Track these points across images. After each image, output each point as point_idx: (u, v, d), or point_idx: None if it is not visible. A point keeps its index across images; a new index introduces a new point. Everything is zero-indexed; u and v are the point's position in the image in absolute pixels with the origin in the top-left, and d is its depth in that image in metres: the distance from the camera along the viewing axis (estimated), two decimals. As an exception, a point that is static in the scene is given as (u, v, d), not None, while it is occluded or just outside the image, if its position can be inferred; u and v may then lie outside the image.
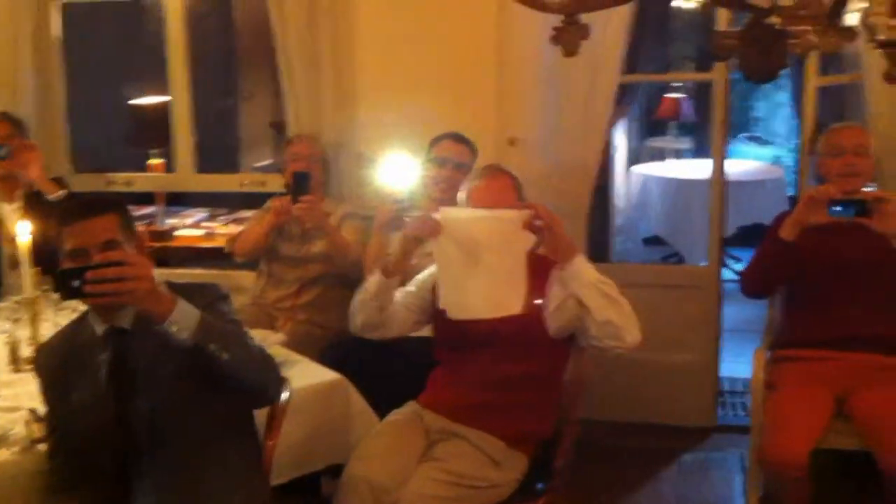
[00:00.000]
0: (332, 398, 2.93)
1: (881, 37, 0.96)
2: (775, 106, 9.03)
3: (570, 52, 1.24)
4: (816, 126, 3.75)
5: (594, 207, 4.10)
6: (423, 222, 2.71)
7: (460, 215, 2.70)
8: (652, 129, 8.26)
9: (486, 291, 2.66)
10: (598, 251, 5.12)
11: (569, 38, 1.20)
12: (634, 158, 7.60)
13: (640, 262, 6.66)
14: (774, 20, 1.27)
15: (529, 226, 2.56)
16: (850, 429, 3.11)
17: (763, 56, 1.31)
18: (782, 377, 3.27)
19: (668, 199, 6.40)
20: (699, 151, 7.73)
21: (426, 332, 2.98)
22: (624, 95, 4.41)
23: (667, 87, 7.83)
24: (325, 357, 3.27)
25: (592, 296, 2.55)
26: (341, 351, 3.42)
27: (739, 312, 4.75)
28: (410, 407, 2.90)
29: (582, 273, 2.57)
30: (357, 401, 2.97)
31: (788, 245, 3.20)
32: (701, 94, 7.39)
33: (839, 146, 3.35)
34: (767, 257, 3.33)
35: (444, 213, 2.69)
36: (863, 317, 3.23)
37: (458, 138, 3.59)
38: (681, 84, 7.97)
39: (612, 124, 5.83)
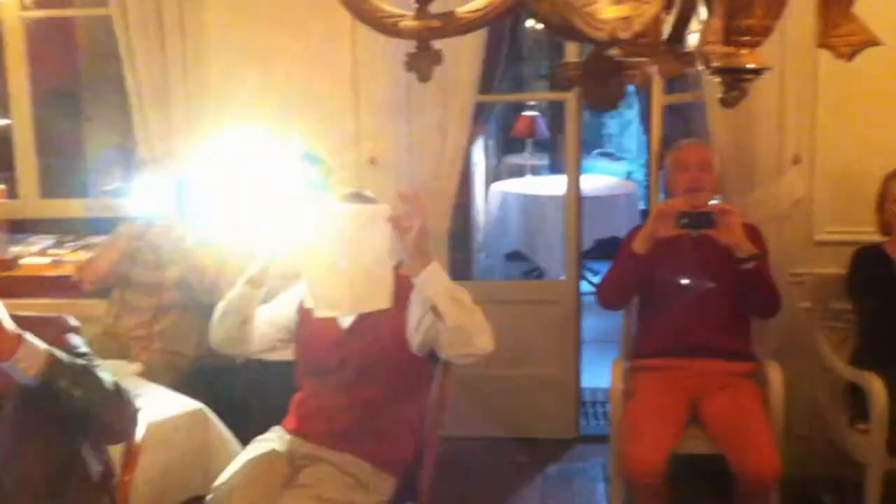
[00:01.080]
0: (191, 428, 2.84)
1: (715, 64, 1.00)
2: (626, 123, 9.36)
3: (424, 78, 1.24)
4: (663, 142, 3.90)
5: (456, 225, 4.13)
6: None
7: (321, 211, 2.67)
8: (510, 147, 8.41)
9: (349, 287, 2.63)
10: (461, 268, 5.16)
11: (422, 64, 1.20)
12: (494, 175, 7.72)
13: (503, 277, 6.76)
14: (614, 52, 1.32)
15: (394, 222, 2.52)
16: (703, 434, 3.24)
17: (603, 87, 1.36)
18: (639, 386, 3.37)
19: (527, 215, 6.52)
20: (555, 168, 7.92)
21: (288, 355, 2.93)
22: (481, 114, 4.48)
23: (522, 106, 7.99)
24: (184, 386, 3.17)
25: (445, 302, 2.52)
26: (200, 378, 3.32)
27: (599, 324, 4.87)
28: (274, 433, 2.84)
29: (435, 280, 2.55)
30: (217, 430, 2.88)
31: (640, 258, 3.31)
32: (555, 112, 7.57)
33: (685, 162, 3.49)
34: (621, 270, 3.44)
35: (307, 210, 2.65)
36: (708, 325, 3.36)
37: (312, 158, 3.55)
38: (535, 103, 8.15)
39: (470, 142, 5.92)
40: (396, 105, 3.90)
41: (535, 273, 6.78)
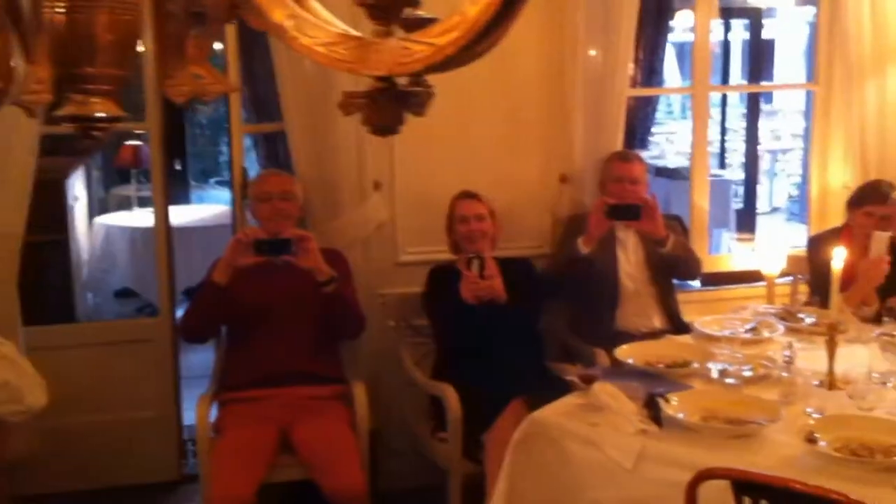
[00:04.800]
0: None
1: (64, 112, 0.99)
2: (245, 150, 9.29)
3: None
4: (243, 171, 3.91)
5: (52, 264, 3.82)
6: None
7: None
8: (120, 178, 8.02)
9: None
10: (63, 311, 4.83)
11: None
12: (101, 208, 7.31)
13: (114, 317, 6.41)
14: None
15: None
16: (295, 461, 3.25)
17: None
18: (228, 421, 3.32)
19: (135, 250, 6.23)
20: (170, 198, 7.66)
21: None
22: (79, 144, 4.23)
23: (127, 135, 7.66)
24: None
25: None
26: None
27: (204, 359, 4.74)
28: None
29: None
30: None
31: (220, 288, 3.27)
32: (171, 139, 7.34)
33: (266, 192, 3.52)
34: (201, 302, 3.37)
35: None
36: (295, 352, 3.40)
37: None
38: (143, 132, 7.83)
39: (66, 175, 5.55)
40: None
41: (147, 310, 6.50)
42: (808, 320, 3.46)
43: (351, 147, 3.82)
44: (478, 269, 3.52)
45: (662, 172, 7.56)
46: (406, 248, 4.01)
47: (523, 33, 4.04)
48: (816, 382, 2.85)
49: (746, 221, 7.59)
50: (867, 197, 3.85)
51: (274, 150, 3.73)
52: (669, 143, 10.08)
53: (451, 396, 3.36)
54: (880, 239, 3.51)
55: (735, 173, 8.73)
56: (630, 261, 3.97)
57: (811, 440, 2.43)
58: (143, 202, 7.37)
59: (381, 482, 3.56)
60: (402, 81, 1.53)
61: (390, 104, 1.06)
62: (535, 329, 3.74)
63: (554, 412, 2.77)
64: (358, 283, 3.67)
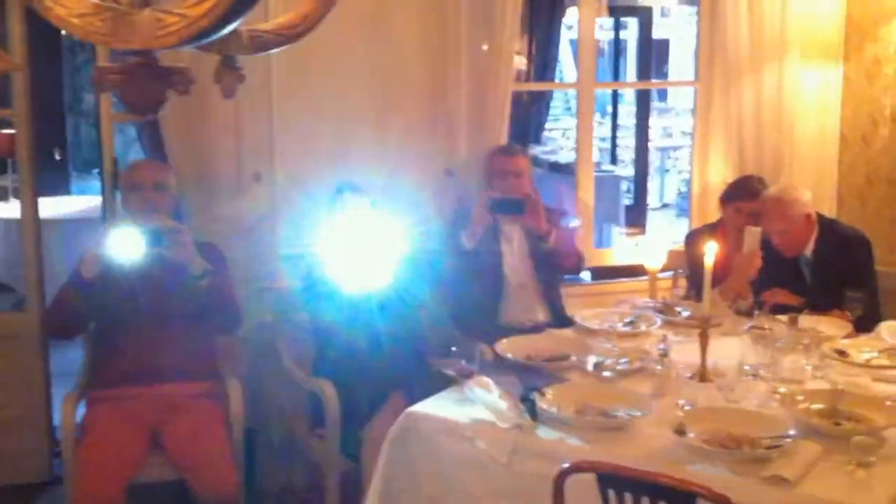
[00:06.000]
0: None
1: None
2: (130, 140, 9.01)
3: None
4: (115, 161, 3.76)
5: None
6: None
7: None
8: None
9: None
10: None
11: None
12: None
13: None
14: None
15: None
16: (165, 460, 3.14)
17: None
18: (95, 420, 3.19)
19: (8, 242, 5.96)
20: (53, 187, 7.36)
21: None
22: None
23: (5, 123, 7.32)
24: None
25: None
26: None
27: (79, 356, 4.55)
28: None
29: None
30: None
31: (86, 282, 3.13)
32: (45, 128, 7.04)
33: (137, 182, 3.40)
34: (66, 297, 3.23)
35: None
36: (163, 348, 3.28)
37: None
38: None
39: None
40: None
41: (23, 305, 6.22)
42: (685, 314, 3.51)
43: (229, 136, 3.72)
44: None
45: (556, 168, 7.62)
46: (286, 242, 3.91)
47: (408, 26, 4.01)
48: (689, 375, 2.89)
49: (636, 217, 7.72)
50: (737, 193, 3.94)
51: (159, 140, 3.60)
52: (565, 138, 10.18)
53: (328, 392, 3.29)
54: (753, 234, 3.59)
55: (626, 170, 8.88)
56: (515, 255, 3.97)
57: (681, 432, 2.45)
58: (18, 193, 7.06)
59: (258, 482, 3.48)
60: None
61: (148, 81, 1.00)
62: (417, 322, 3.69)
63: (429, 408, 2.74)
64: (236, 276, 3.56)
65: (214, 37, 1.35)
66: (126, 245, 3.11)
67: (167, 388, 3.25)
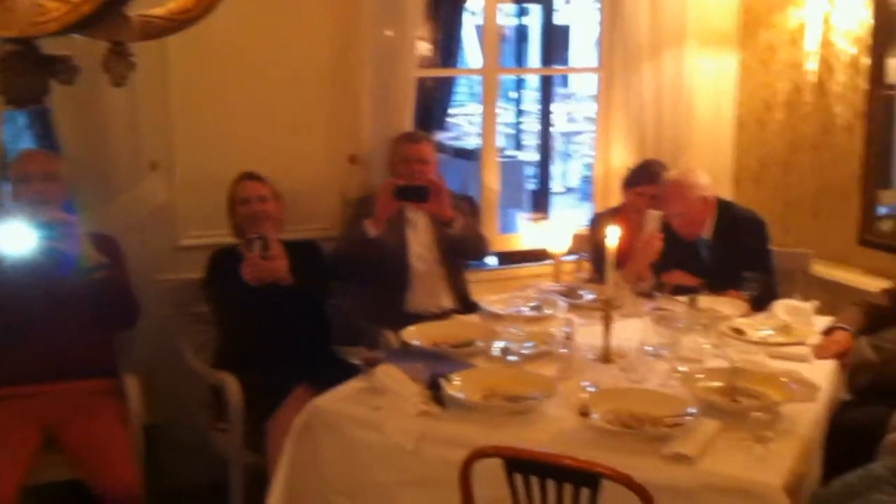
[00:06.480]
0: None
1: None
2: (21, 129, 8.68)
3: None
4: (3, 150, 3.60)
5: None
6: None
7: None
8: None
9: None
10: None
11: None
12: None
13: None
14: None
15: None
16: (63, 460, 3.04)
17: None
18: (-14, 419, 3.05)
19: None
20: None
21: None
22: None
23: None
24: None
25: None
26: None
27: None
28: None
29: None
30: None
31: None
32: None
33: (26, 172, 3.28)
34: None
35: None
36: (57, 345, 3.17)
37: None
38: None
39: None
40: None
41: None
42: (588, 297, 3.55)
43: (124, 124, 3.61)
44: (261, 250, 3.39)
45: (461, 153, 7.63)
46: (186, 232, 3.82)
47: (311, 11, 3.94)
48: (592, 357, 2.92)
49: (541, 201, 7.78)
50: (638, 177, 4.01)
51: (50, 129, 3.47)
52: (470, 124, 10.20)
53: (231, 385, 3.23)
54: (653, 217, 3.65)
55: (530, 155, 8.95)
56: (420, 242, 3.96)
57: (585, 414, 2.48)
58: None
59: (161, 479, 3.38)
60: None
61: (28, 71, 0.95)
62: (322, 312, 3.65)
63: (335, 398, 2.71)
64: (133, 269, 3.45)
65: (99, 23, 1.30)
66: (15, 239, 2.99)
67: (63, 386, 3.14)
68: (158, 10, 1.62)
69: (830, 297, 3.85)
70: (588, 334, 3.03)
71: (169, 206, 3.78)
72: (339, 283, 3.78)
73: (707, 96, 4.75)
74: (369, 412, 2.60)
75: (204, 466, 3.49)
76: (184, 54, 3.60)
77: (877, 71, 4.05)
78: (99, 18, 1.15)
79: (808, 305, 3.42)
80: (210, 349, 3.56)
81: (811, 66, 4.37)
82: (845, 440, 2.68)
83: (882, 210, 4.18)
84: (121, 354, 3.39)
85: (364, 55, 4.00)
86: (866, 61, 4.08)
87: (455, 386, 2.65)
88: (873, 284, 3.73)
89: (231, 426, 3.24)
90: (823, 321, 3.28)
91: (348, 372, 2.85)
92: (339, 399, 2.70)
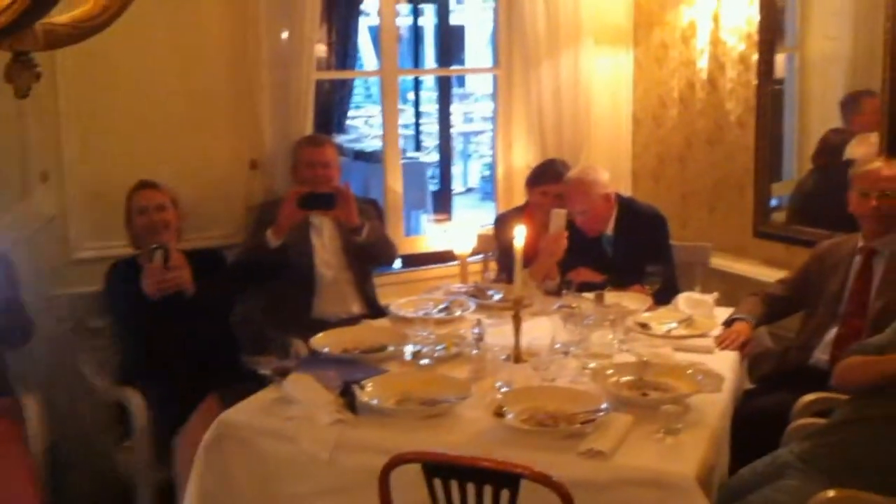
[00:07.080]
0: None
1: None
2: None
3: None
4: None
5: None
6: None
7: None
8: None
9: None
10: None
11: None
12: None
13: None
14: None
15: None
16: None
17: None
18: None
19: None
20: None
21: None
22: None
23: None
24: None
25: None
26: None
27: None
28: None
29: None
30: None
31: None
32: None
33: None
34: None
35: None
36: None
37: None
38: None
39: None
40: None
41: None
42: (497, 297, 3.56)
43: (11, 134, 3.45)
44: (162, 261, 3.28)
45: (361, 156, 7.58)
46: (81, 244, 3.68)
47: (206, 11, 3.85)
48: (504, 357, 2.92)
49: (443, 202, 7.79)
50: (542, 176, 4.04)
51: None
52: (368, 126, 10.15)
53: (135, 401, 3.12)
54: (558, 216, 3.69)
55: (431, 156, 8.96)
56: (326, 248, 3.91)
57: (500, 414, 2.48)
58: None
59: (64, 501, 3.25)
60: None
61: None
62: (227, 322, 3.57)
63: (245, 410, 2.65)
64: (25, 284, 3.31)
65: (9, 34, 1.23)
66: None
67: None
68: (62, 18, 1.54)
69: (729, 288, 3.95)
70: (498, 334, 3.04)
71: (61, 218, 3.63)
72: (243, 292, 3.69)
73: (604, 94, 4.83)
74: (281, 423, 2.55)
75: (110, 487, 3.37)
76: (73, 59, 3.46)
77: (765, 66, 4.18)
78: (13, 30, 1.09)
79: (709, 298, 3.51)
80: (112, 364, 3.43)
81: (703, 63, 4.48)
82: (750, 428, 2.76)
83: (775, 202, 4.31)
84: (15, 375, 3.23)
85: (261, 58, 3.92)
86: (755, 57, 4.20)
87: (368, 392, 2.62)
88: (770, 275, 3.85)
89: (136, 444, 3.13)
90: (724, 313, 3.36)
91: (258, 383, 2.79)
92: (249, 411, 2.64)
